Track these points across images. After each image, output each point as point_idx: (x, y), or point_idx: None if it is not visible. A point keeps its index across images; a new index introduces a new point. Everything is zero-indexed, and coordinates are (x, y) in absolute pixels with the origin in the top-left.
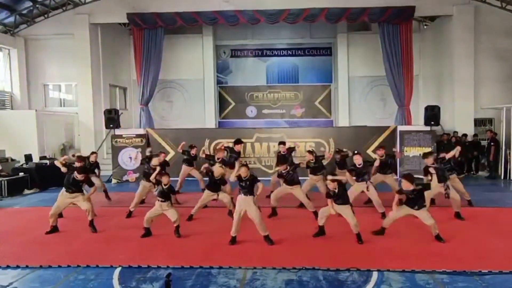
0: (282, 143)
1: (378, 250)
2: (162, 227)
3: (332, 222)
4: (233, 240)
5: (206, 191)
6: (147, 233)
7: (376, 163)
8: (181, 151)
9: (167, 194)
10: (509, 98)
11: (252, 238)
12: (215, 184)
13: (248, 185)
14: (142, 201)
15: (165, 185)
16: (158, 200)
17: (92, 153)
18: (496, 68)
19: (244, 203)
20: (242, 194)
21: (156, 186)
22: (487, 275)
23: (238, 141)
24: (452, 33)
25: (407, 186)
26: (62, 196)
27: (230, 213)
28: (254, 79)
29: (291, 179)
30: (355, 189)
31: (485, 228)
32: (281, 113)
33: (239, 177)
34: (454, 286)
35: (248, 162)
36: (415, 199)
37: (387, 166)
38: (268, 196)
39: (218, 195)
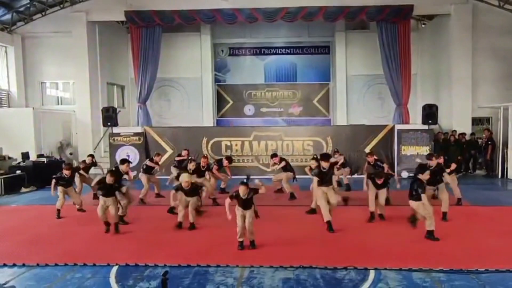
0: (275, 155)
1: (375, 249)
2: (160, 225)
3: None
4: (242, 245)
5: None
6: (108, 227)
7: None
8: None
9: (109, 190)
10: (507, 97)
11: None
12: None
13: (247, 201)
14: (142, 201)
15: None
16: (101, 195)
17: (88, 155)
18: (494, 67)
19: (243, 212)
20: (242, 209)
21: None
22: (483, 273)
23: (228, 159)
24: (450, 32)
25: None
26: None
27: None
28: (252, 77)
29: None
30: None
31: (482, 226)
32: (279, 112)
33: (237, 195)
34: (451, 284)
35: (245, 161)
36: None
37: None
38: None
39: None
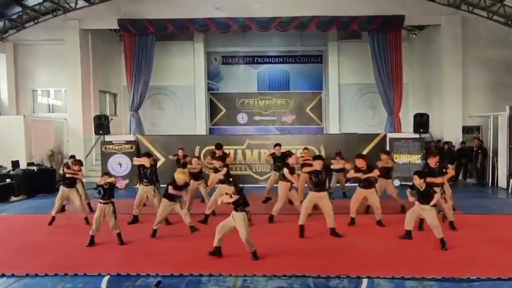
0: (278, 145)
1: (368, 257)
2: (151, 234)
3: (320, 229)
4: (216, 251)
5: (164, 200)
6: (92, 241)
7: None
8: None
9: (107, 194)
10: (496, 107)
11: (242, 245)
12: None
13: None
14: (144, 205)
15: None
16: (100, 203)
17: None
18: (484, 77)
19: (235, 219)
20: (234, 210)
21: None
22: (475, 281)
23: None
24: (440, 43)
25: None
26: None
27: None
28: (245, 86)
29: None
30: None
31: (473, 234)
32: (272, 120)
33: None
34: None
35: (239, 169)
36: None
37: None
38: (264, 202)
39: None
